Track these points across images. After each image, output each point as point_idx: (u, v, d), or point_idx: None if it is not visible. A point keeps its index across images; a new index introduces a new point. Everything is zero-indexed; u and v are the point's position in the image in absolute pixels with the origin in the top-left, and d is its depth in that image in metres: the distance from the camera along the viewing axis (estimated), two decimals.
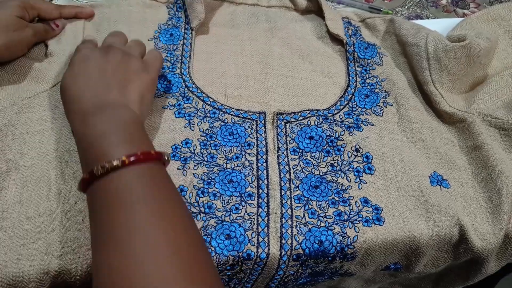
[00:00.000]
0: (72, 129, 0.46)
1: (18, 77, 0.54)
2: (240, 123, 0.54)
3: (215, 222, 0.47)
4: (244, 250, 0.45)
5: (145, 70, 0.49)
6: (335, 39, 0.65)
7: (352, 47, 0.63)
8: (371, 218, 0.48)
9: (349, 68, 0.62)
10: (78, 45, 0.52)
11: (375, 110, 0.57)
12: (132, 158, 0.37)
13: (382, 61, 0.62)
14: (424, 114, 0.58)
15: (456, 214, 0.49)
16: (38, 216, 0.45)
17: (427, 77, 0.58)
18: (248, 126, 0.53)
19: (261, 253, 0.46)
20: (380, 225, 0.48)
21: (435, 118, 0.58)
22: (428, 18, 0.75)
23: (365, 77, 0.61)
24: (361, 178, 0.51)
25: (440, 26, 0.66)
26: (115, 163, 0.37)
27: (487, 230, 0.49)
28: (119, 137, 0.40)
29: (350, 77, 0.60)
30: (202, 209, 0.47)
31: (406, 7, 0.78)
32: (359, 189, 0.50)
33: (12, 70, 0.54)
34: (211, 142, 0.52)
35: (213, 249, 0.45)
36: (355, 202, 0.49)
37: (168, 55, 0.59)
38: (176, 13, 0.64)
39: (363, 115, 0.57)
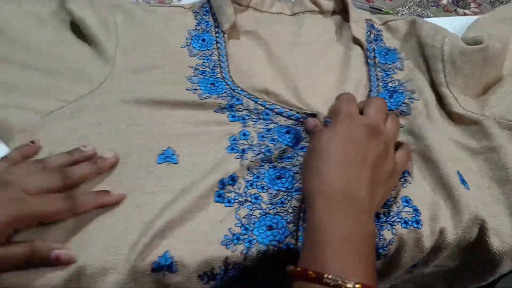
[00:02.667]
0: (306, 202, 0.41)
1: (59, 80, 0.52)
2: (294, 126, 0.53)
3: (259, 213, 0.47)
4: (284, 241, 0.45)
5: (393, 174, 0.43)
6: (357, 42, 0.63)
7: (372, 53, 0.62)
8: (410, 219, 0.47)
9: (371, 73, 0.60)
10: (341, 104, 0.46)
11: (402, 110, 0.56)
12: None
13: (404, 66, 0.61)
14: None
15: (483, 216, 0.47)
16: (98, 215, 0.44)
17: (442, 79, 0.57)
18: (303, 130, 0.53)
19: (300, 246, 0.45)
20: (418, 228, 0.46)
21: (447, 122, 0.56)
22: (429, 18, 0.77)
23: (387, 81, 0.60)
24: (405, 177, 0.49)
25: (440, 25, 0.63)
26: (349, 285, 0.34)
27: (506, 232, 0.48)
28: (359, 255, 0.36)
29: (372, 82, 0.59)
30: (249, 199, 0.47)
31: (406, 7, 0.78)
32: (403, 188, 0.49)
33: (50, 71, 0.52)
34: (269, 135, 0.52)
35: (254, 237, 0.45)
36: (396, 202, 0.48)
37: (205, 61, 0.58)
38: (204, 17, 0.62)
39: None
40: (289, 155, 0.51)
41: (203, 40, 0.59)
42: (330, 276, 0.34)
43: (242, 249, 0.44)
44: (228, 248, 0.44)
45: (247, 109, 0.54)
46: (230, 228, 0.45)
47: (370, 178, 0.40)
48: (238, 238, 0.44)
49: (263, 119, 0.53)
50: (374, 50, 0.63)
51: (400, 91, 0.58)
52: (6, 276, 0.39)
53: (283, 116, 0.54)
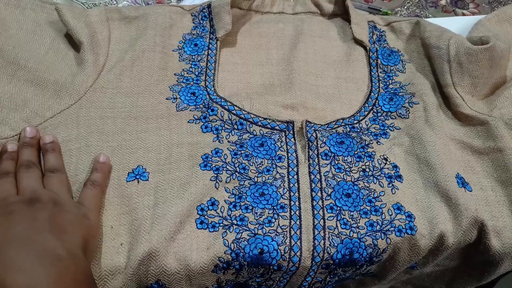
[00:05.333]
0: None
1: (41, 90, 0.50)
2: (269, 135, 0.50)
3: (247, 235, 0.43)
4: (276, 264, 0.43)
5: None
6: (360, 43, 0.61)
7: (375, 54, 0.60)
8: (404, 227, 0.45)
9: (372, 73, 0.58)
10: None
11: (400, 113, 0.54)
12: None
13: (405, 68, 0.59)
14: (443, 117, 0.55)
15: (483, 218, 0.46)
16: None
17: (448, 80, 0.55)
18: (278, 139, 0.50)
19: (291, 266, 0.43)
20: (412, 235, 0.45)
21: (453, 122, 0.55)
22: (427, 18, 0.76)
23: (388, 83, 0.57)
24: (393, 183, 0.48)
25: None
26: None
27: (507, 234, 0.47)
28: None
29: (373, 83, 0.57)
30: (235, 221, 0.44)
31: (405, 7, 0.77)
32: (393, 194, 0.47)
33: (36, 81, 0.50)
34: (242, 152, 0.48)
35: (245, 263, 0.42)
36: (388, 210, 0.46)
37: (192, 66, 0.55)
38: (201, 21, 0.60)
39: (388, 119, 0.53)
40: (267, 167, 0.48)
41: (196, 45, 0.57)
42: None
43: (233, 272, 0.43)
44: (220, 273, 0.43)
45: (221, 120, 0.51)
46: (220, 257, 0.42)
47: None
48: (228, 265, 0.43)
49: (237, 129, 0.50)
50: (377, 50, 0.60)
51: (400, 94, 0.56)
52: None
53: (258, 125, 0.51)
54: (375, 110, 0.55)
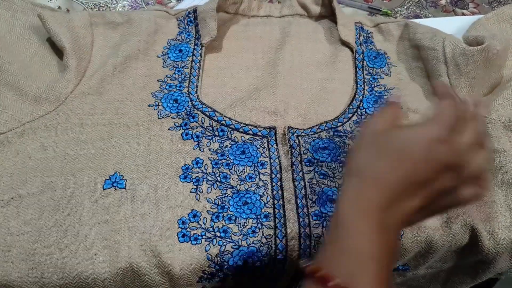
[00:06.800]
0: (346, 191, 0.34)
1: (21, 96, 0.49)
2: (251, 141, 0.49)
3: (231, 247, 0.42)
4: (260, 273, 0.42)
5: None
6: (346, 45, 0.60)
7: (361, 55, 0.59)
8: None
9: (358, 75, 0.57)
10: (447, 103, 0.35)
11: None
12: None
13: (391, 72, 0.58)
14: None
15: (472, 222, 0.46)
16: (46, 248, 0.40)
17: (445, 82, 0.54)
18: (260, 145, 0.48)
19: (276, 274, 0.43)
20: (398, 240, 0.43)
21: None
22: (427, 18, 0.75)
23: (373, 85, 0.56)
24: None
25: (439, 25, 0.62)
26: None
27: (502, 235, 0.46)
28: (377, 271, 0.31)
29: (358, 85, 0.55)
30: (218, 233, 0.42)
31: (405, 7, 0.76)
32: None
33: (17, 85, 0.49)
34: (223, 161, 0.47)
35: (229, 273, 0.41)
36: None
37: (176, 72, 0.54)
38: (187, 27, 0.58)
39: None
40: (250, 174, 0.46)
41: (180, 50, 0.56)
42: (337, 281, 0.30)
43: (218, 280, 0.43)
44: (205, 282, 0.42)
45: (202, 126, 0.49)
46: (203, 270, 0.41)
47: (418, 206, 0.33)
48: (213, 276, 0.42)
49: (218, 135, 0.49)
50: (363, 52, 0.59)
51: (385, 97, 0.55)
52: None
53: (239, 132, 0.49)
54: (359, 113, 0.53)
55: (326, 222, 0.44)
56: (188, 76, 0.54)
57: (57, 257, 0.40)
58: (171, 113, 0.51)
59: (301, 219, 0.44)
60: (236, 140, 0.49)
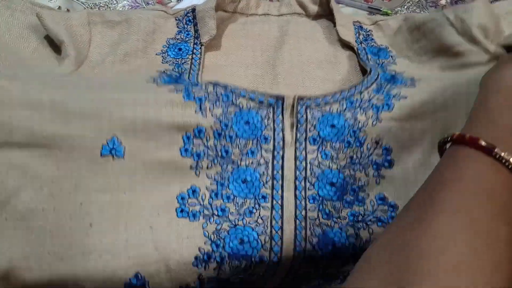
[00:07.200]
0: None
1: None
2: (256, 109, 0.47)
3: (228, 226, 0.42)
4: (257, 255, 0.42)
5: None
6: (346, 45, 0.60)
7: (364, 51, 0.59)
8: (385, 216, 0.44)
9: (366, 63, 0.56)
10: None
11: (406, 82, 0.51)
12: None
13: (396, 62, 0.58)
14: None
15: None
16: (41, 212, 0.40)
17: (456, 38, 0.55)
18: (265, 115, 0.47)
19: (273, 257, 0.42)
20: None
21: None
22: None
23: (385, 69, 0.56)
24: (379, 172, 0.46)
25: None
26: None
27: None
28: None
29: (372, 68, 0.54)
30: (216, 212, 0.43)
31: (405, 7, 0.76)
32: (377, 184, 0.46)
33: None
34: (226, 132, 0.46)
35: (226, 254, 0.41)
36: (370, 200, 0.45)
37: (175, 67, 0.54)
38: (185, 26, 0.59)
39: (394, 89, 0.50)
40: (252, 149, 0.46)
41: (180, 49, 0.56)
42: (503, 154, 0.29)
43: (215, 267, 0.42)
44: (200, 267, 0.41)
45: (205, 91, 0.47)
46: (200, 247, 0.41)
47: None
48: (209, 257, 0.41)
49: (222, 100, 0.47)
50: (364, 49, 0.59)
51: (398, 77, 0.54)
52: None
53: (244, 98, 0.48)
54: (378, 83, 0.52)
55: (322, 206, 0.44)
56: (188, 70, 0.54)
57: (53, 223, 0.40)
58: (169, 84, 0.49)
59: (298, 201, 0.44)
60: (241, 107, 0.47)
